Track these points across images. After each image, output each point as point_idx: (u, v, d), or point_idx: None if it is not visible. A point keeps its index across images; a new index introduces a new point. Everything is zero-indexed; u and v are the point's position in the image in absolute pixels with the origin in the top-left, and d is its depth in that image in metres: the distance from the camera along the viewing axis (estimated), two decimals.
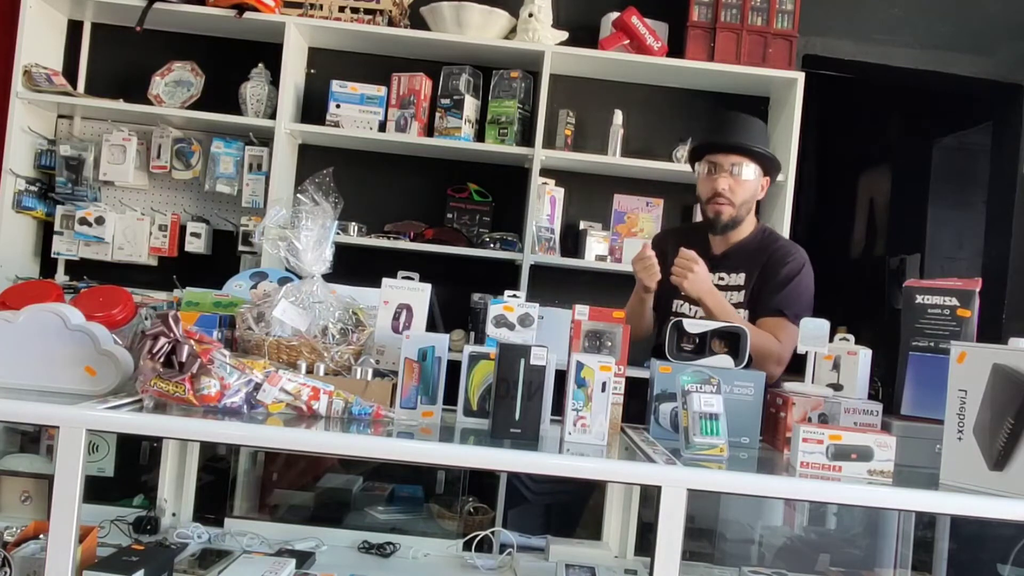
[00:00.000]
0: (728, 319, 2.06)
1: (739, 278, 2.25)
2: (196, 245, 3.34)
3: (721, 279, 2.25)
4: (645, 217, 3.46)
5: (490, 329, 1.69)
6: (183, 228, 3.35)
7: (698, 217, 3.43)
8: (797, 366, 1.78)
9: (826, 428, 1.46)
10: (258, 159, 3.32)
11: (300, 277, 1.74)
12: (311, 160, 3.41)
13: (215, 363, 1.46)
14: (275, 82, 3.25)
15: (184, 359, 1.43)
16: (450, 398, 1.62)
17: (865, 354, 1.73)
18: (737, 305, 2.21)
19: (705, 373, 1.55)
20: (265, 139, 3.30)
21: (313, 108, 3.36)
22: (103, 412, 1.38)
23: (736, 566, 1.92)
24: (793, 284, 2.19)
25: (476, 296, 3.28)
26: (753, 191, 2.26)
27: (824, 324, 1.69)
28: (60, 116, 3.40)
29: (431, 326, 1.82)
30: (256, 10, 3.17)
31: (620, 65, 3.30)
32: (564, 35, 3.30)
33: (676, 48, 3.30)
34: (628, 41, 3.25)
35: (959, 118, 4.38)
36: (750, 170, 2.23)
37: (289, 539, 1.93)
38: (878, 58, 3.59)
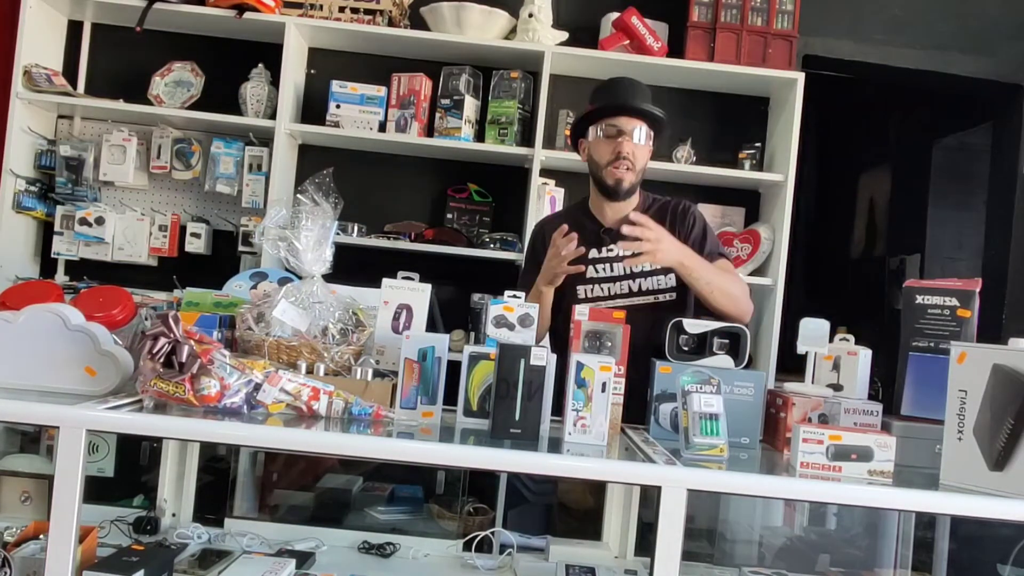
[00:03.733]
0: (712, 272, 2.08)
1: None
2: (196, 245, 3.34)
3: (610, 251, 2.21)
4: None
5: (490, 329, 1.69)
6: (183, 228, 3.35)
7: (708, 216, 3.43)
8: (797, 366, 1.78)
9: (826, 428, 1.46)
10: (258, 159, 3.32)
11: (300, 277, 1.74)
12: (311, 160, 3.41)
13: (215, 363, 1.46)
14: (275, 82, 3.25)
15: (184, 359, 1.43)
16: (450, 398, 1.62)
17: (865, 354, 1.73)
18: (656, 271, 2.17)
19: (705, 373, 1.55)
20: (265, 139, 3.30)
21: (313, 108, 3.36)
22: (103, 412, 1.38)
23: (736, 566, 1.92)
24: (709, 229, 2.27)
25: (476, 296, 3.28)
26: (647, 157, 2.24)
27: (824, 324, 1.69)
28: (60, 116, 3.40)
29: (431, 326, 1.82)
30: (256, 10, 3.17)
31: (620, 65, 3.29)
32: (564, 35, 3.30)
33: (676, 48, 3.30)
34: (628, 41, 3.25)
35: (959, 118, 4.39)
36: (647, 135, 2.22)
37: (289, 539, 1.93)
38: (878, 58, 3.59)
